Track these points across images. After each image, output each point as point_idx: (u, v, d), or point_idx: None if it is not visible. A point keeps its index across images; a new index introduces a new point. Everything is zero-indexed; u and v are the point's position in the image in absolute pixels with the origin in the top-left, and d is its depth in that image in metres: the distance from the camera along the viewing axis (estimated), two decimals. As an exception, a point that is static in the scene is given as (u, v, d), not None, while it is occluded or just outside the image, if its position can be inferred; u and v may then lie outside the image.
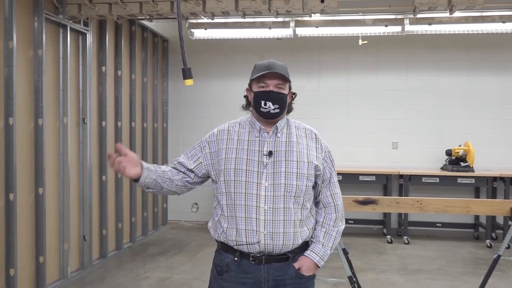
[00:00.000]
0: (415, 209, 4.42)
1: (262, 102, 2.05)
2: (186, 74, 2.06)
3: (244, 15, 4.54)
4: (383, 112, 6.85)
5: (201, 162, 2.16)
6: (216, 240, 2.15)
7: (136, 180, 2.06)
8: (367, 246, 6.16)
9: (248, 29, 5.84)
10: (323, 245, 2.10)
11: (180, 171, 2.18)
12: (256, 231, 2.00)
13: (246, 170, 2.04)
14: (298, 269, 2.06)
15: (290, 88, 2.14)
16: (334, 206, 2.15)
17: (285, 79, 2.07)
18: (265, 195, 2.01)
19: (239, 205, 2.03)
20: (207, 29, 5.84)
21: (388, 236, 6.41)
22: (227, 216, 2.07)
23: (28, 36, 4.16)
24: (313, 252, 2.08)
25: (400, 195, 6.51)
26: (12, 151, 3.87)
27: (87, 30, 4.97)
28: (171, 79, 7.27)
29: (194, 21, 5.84)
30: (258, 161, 2.05)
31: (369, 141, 6.89)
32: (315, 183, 2.12)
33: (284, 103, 2.08)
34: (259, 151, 2.07)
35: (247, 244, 2.02)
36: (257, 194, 2.01)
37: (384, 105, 6.85)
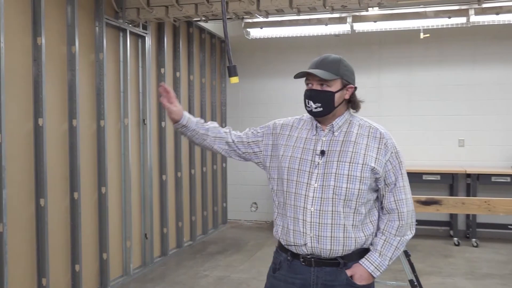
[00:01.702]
0: (483, 210, 4.18)
1: (306, 101, 2.01)
2: (232, 71, 2.05)
3: (298, 12, 4.48)
4: (448, 108, 6.53)
5: (261, 151, 2.15)
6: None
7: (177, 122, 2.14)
8: (432, 248, 5.90)
9: (304, 27, 5.77)
10: (380, 254, 1.97)
11: (233, 142, 2.19)
12: (303, 232, 1.95)
13: (298, 169, 1.99)
14: (351, 276, 1.96)
15: (345, 84, 2.01)
16: (398, 213, 1.99)
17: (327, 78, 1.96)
18: (313, 197, 1.94)
19: (289, 204, 2.00)
20: (263, 28, 5.83)
21: (455, 238, 6.11)
22: (281, 214, 2.06)
23: (89, 40, 4.32)
24: (368, 260, 1.97)
25: (468, 195, 6.18)
26: (76, 152, 4.04)
27: (146, 33, 5.10)
28: (229, 79, 7.31)
29: (250, 20, 5.85)
30: (311, 160, 1.98)
31: (433, 139, 6.59)
32: (377, 186, 2.00)
33: (328, 101, 1.97)
34: (313, 150, 2.00)
35: (294, 245, 1.99)
36: (305, 195, 1.95)
37: (449, 101, 6.53)
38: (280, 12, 4.50)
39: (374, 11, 5.35)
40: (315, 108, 1.98)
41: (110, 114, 4.58)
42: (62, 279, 3.97)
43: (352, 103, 2.06)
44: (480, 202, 4.14)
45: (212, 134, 2.16)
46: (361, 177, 1.93)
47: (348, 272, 1.96)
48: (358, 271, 1.96)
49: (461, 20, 5.30)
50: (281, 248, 2.07)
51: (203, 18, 4.78)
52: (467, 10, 5.15)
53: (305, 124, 2.11)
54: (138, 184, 5.12)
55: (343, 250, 1.94)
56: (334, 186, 1.93)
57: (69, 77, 4.03)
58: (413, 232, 2.05)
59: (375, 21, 5.46)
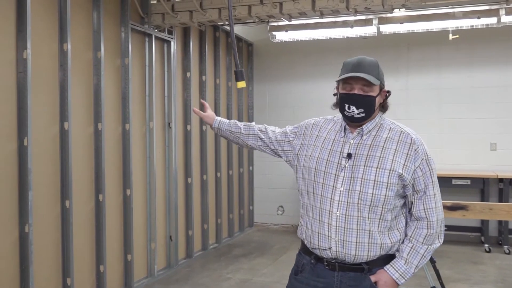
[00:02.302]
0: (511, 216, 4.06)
1: (346, 106, 1.95)
2: (239, 76, 2.05)
3: (321, 15, 4.45)
4: (480, 111, 6.36)
5: (292, 150, 2.18)
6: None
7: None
8: (461, 254, 5.75)
9: (329, 29, 5.73)
10: (406, 261, 1.93)
11: (268, 139, 2.26)
12: (328, 236, 1.93)
13: (325, 171, 1.98)
14: (375, 282, 1.93)
15: (382, 88, 1.99)
16: (428, 222, 1.94)
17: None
18: (339, 200, 1.92)
19: (315, 206, 1.98)
20: (288, 31, 5.82)
21: (486, 245, 5.93)
22: (306, 216, 2.05)
23: (115, 46, 4.41)
24: (393, 267, 1.94)
25: (500, 200, 6.00)
26: (101, 155, 4.12)
27: (172, 38, 5.17)
28: (256, 83, 7.34)
29: (275, 24, 5.85)
30: (338, 163, 1.96)
31: (463, 142, 6.43)
32: (405, 193, 1.96)
33: (371, 106, 1.94)
34: (340, 152, 1.98)
35: (319, 248, 1.97)
36: (331, 198, 1.94)
37: (480, 103, 6.35)
38: (303, 15, 4.48)
39: (400, 12, 5.26)
40: (358, 113, 1.93)
41: (135, 118, 4.66)
42: (87, 279, 4.06)
43: (383, 107, 2.04)
44: (509, 208, 4.02)
45: (245, 132, 2.28)
46: (388, 183, 1.90)
47: (372, 278, 1.94)
48: (383, 278, 1.93)
49: (492, 20, 5.14)
50: (305, 251, 2.06)
51: (227, 22, 4.81)
52: (497, 10, 5.00)
53: (334, 125, 2.09)
54: (163, 186, 5.18)
55: (368, 255, 1.92)
56: (360, 191, 1.90)
57: (94, 81, 4.13)
58: (441, 240, 2.00)
59: (401, 23, 5.36)
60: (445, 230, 6.34)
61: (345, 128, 2.02)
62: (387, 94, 2.03)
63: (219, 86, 6.25)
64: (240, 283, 4.78)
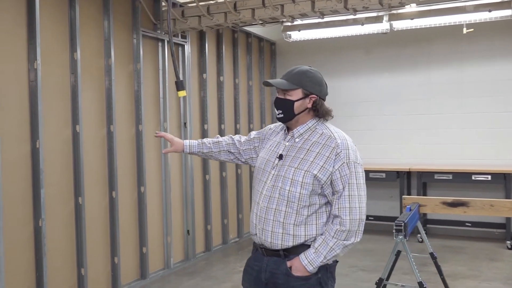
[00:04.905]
0: (513, 213, 4.00)
1: (275, 108, 2.24)
2: (179, 86, 2.23)
3: (322, 15, 4.54)
4: (504, 104, 6.19)
5: (258, 156, 2.39)
6: None
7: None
8: (480, 251, 5.66)
9: (342, 27, 5.79)
10: (316, 251, 2.10)
11: (236, 150, 2.51)
12: (255, 224, 2.22)
13: (263, 169, 2.25)
14: (290, 267, 2.14)
15: (306, 94, 2.16)
16: (340, 219, 2.08)
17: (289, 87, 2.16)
18: (265, 194, 2.18)
19: (254, 200, 2.27)
20: (301, 31, 5.92)
21: (508, 242, 5.81)
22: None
23: (128, 52, 4.70)
24: (304, 255, 2.12)
25: (525, 196, 5.84)
26: (113, 155, 4.43)
27: (185, 42, 5.42)
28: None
29: (289, 24, 5.96)
30: (272, 162, 2.22)
31: (486, 137, 6.29)
32: (323, 192, 2.11)
33: (288, 109, 2.17)
34: (276, 152, 2.23)
35: (252, 235, 2.26)
36: (260, 192, 2.21)
37: (503, 96, 6.19)
38: (304, 16, 4.59)
39: (411, 8, 5.24)
40: (278, 114, 2.23)
41: (149, 119, 4.94)
42: (102, 269, 4.38)
43: (317, 112, 2.19)
44: (511, 205, 3.97)
45: (216, 150, 2.54)
46: (302, 182, 2.10)
47: (288, 263, 2.15)
48: (295, 263, 2.14)
49: (506, 12, 5.02)
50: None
51: (233, 26, 4.99)
52: (509, 2, 4.89)
53: (282, 129, 2.33)
54: (179, 183, 5.45)
55: (281, 244, 2.14)
56: (280, 187, 2.14)
57: (106, 86, 4.43)
58: (358, 239, 2.12)
59: (411, 19, 5.34)
60: (470, 226, 6.20)
61: (285, 132, 2.27)
62: (316, 100, 2.17)
63: (238, 85, 6.44)
64: (249, 276, 4.97)
